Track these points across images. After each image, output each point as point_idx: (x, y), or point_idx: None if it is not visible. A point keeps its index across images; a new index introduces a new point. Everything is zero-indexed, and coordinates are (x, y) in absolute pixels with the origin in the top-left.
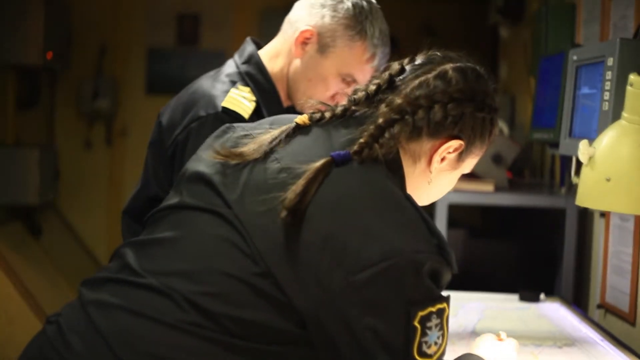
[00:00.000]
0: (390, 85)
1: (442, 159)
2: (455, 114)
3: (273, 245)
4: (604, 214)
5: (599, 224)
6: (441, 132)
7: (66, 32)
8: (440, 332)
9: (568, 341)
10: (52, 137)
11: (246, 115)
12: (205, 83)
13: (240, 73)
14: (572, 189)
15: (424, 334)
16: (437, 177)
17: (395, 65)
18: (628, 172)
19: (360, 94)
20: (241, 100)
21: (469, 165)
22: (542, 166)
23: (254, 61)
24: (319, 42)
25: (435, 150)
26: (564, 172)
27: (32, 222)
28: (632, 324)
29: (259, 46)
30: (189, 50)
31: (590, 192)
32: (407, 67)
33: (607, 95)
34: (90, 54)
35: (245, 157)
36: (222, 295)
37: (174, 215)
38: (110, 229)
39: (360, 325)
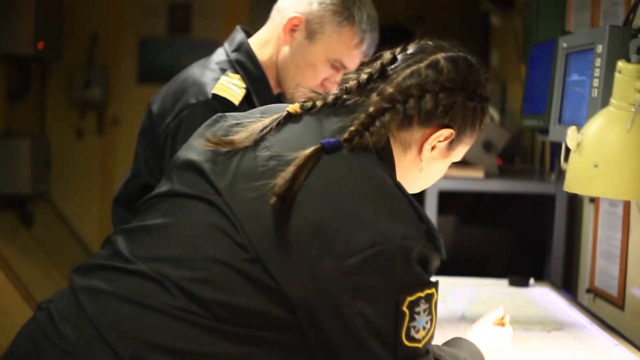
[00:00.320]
0: (382, 74)
1: (433, 148)
2: (446, 103)
3: (263, 232)
4: (593, 200)
5: (588, 210)
6: (432, 121)
7: (57, 21)
8: (429, 317)
9: (557, 325)
10: (44, 127)
11: (236, 102)
12: (196, 71)
13: (230, 61)
14: (562, 175)
15: (412, 319)
16: (427, 166)
17: (387, 54)
18: (615, 158)
19: (352, 83)
20: (231, 87)
21: (459, 154)
22: (532, 153)
23: (243, 49)
24: (307, 29)
25: (425, 139)
26: (554, 158)
27: (24, 211)
28: (621, 308)
29: (249, 34)
30: (181, 39)
31: (579, 177)
32: (399, 56)
33: (596, 82)
34: (81, 44)
35: (236, 145)
36: (212, 281)
37: (164, 202)
38: (102, 218)
39: (350, 310)
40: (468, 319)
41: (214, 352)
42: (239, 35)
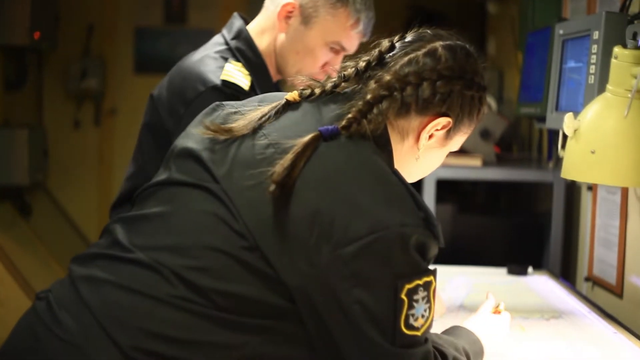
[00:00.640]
0: (379, 62)
1: (430, 136)
2: (444, 91)
3: (261, 220)
4: (591, 187)
5: (586, 197)
6: (429, 109)
7: (53, 11)
8: (427, 305)
9: (555, 313)
10: (41, 118)
11: (246, 87)
12: (198, 60)
13: (230, 49)
14: (560, 163)
15: (410, 306)
16: (425, 154)
17: (385, 42)
18: (612, 145)
19: (350, 70)
20: (238, 73)
21: (457, 143)
22: (529, 140)
23: (243, 36)
24: (301, 14)
25: (423, 127)
26: (552, 146)
27: (22, 202)
28: (619, 296)
29: (247, 22)
30: (177, 29)
31: (576, 164)
32: (397, 44)
33: (593, 69)
34: (77, 34)
35: (234, 133)
36: (211, 269)
37: (163, 191)
38: (100, 208)
39: (348, 298)
40: (466, 308)
41: (213, 341)
42: (237, 22)
